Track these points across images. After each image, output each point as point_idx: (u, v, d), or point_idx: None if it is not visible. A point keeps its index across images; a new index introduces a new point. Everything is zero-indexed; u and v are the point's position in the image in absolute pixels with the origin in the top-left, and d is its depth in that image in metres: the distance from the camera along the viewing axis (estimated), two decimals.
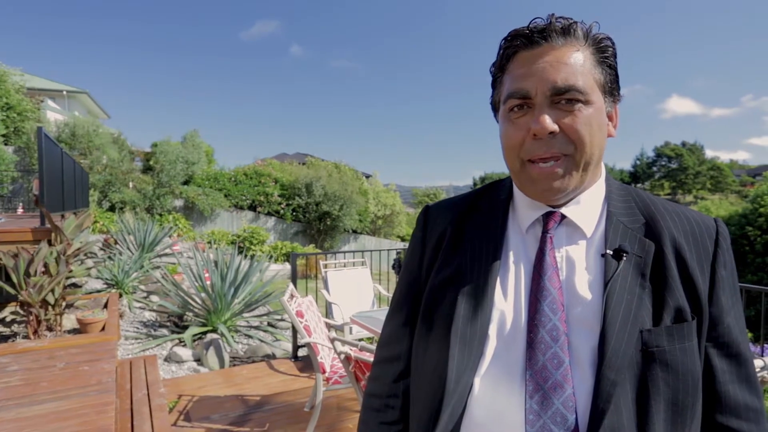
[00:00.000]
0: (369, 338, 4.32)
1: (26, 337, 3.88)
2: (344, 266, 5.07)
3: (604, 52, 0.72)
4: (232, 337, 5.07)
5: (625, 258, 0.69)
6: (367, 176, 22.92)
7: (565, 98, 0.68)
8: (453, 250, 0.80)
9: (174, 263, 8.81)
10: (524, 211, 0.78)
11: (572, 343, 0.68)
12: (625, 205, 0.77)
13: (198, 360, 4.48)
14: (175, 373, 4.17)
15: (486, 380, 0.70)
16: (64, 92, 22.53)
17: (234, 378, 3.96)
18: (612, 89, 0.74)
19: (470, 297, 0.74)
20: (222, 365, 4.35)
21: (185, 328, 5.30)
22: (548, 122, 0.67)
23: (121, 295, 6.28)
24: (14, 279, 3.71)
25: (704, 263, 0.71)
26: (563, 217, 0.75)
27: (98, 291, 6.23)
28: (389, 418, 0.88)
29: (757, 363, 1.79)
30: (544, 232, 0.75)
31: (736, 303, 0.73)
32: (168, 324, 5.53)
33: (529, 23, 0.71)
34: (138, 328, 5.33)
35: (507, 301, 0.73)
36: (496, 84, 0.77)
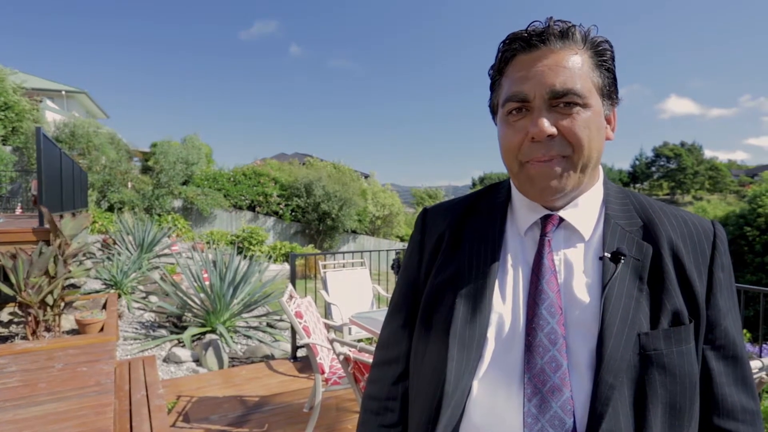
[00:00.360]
0: (368, 339, 4.32)
1: (25, 337, 3.87)
2: (343, 267, 5.07)
3: (603, 56, 0.72)
4: (231, 337, 5.07)
5: (623, 261, 0.70)
6: (365, 176, 22.94)
7: (563, 101, 0.68)
8: (451, 252, 0.80)
9: (173, 263, 8.80)
10: (523, 213, 0.78)
11: (570, 347, 0.68)
12: (623, 208, 0.77)
13: (197, 361, 4.47)
14: (174, 374, 4.17)
15: (484, 383, 0.70)
16: (63, 92, 22.51)
17: (233, 378, 3.96)
18: (610, 92, 0.74)
19: (469, 300, 0.74)
20: (221, 366, 4.34)
21: (184, 328, 5.30)
22: (546, 126, 0.67)
23: (119, 296, 6.27)
24: (13, 280, 3.70)
25: (702, 266, 0.71)
26: (561, 220, 0.75)
27: (97, 291, 6.22)
28: (388, 420, 0.88)
29: (756, 364, 1.79)
30: (543, 234, 0.75)
31: (734, 305, 0.73)
32: (167, 324, 5.53)
33: (528, 26, 0.71)
34: (137, 328, 5.33)
35: (505, 304, 0.73)
36: (494, 87, 0.78)
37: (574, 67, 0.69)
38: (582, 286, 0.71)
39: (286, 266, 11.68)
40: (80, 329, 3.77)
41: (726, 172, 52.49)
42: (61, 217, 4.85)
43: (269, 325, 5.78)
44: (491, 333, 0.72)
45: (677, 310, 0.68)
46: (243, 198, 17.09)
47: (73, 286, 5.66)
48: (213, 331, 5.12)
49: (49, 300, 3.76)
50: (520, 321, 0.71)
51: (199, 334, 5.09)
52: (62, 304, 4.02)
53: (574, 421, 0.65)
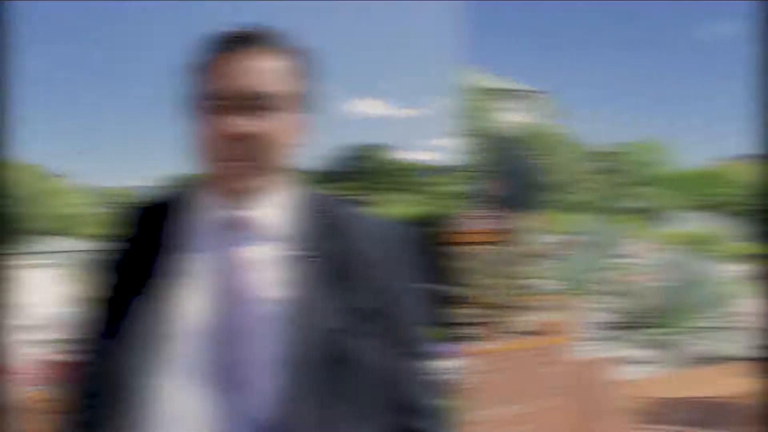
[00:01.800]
0: None
1: (481, 337, 4.19)
2: None
3: (302, 63, 0.76)
4: None
5: (310, 258, 0.73)
6: None
7: (256, 104, 0.70)
8: (137, 252, 0.79)
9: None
10: (211, 210, 0.78)
11: (257, 342, 0.70)
12: (311, 208, 0.80)
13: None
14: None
15: (169, 382, 0.69)
16: (522, 93, 24.07)
17: None
18: (305, 100, 0.78)
19: (150, 297, 0.72)
20: None
21: None
22: (238, 126, 0.69)
23: (576, 297, 6.18)
24: (474, 280, 4.10)
25: (385, 263, 0.76)
26: (250, 218, 0.75)
27: (551, 293, 6.34)
28: None
29: (443, 364, 1.82)
30: (231, 232, 0.75)
31: (416, 302, 0.80)
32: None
33: (231, 26, 0.75)
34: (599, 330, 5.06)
35: (191, 300, 0.72)
36: (190, 80, 0.78)
37: (271, 70, 0.72)
38: (270, 283, 0.73)
39: None
40: (536, 330, 3.81)
41: (414, 171, 40.03)
42: (520, 217, 5.21)
43: None
44: (175, 330, 0.71)
45: (362, 306, 0.72)
46: None
47: (529, 287, 5.96)
48: None
49: (506, 301, 3.96)
50: (207, 317, 0.71)
51: None
52: (519, 305, 4.17)
53: (260, 417, 0.67)
